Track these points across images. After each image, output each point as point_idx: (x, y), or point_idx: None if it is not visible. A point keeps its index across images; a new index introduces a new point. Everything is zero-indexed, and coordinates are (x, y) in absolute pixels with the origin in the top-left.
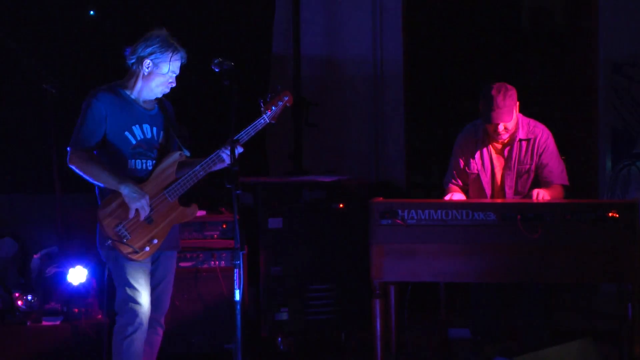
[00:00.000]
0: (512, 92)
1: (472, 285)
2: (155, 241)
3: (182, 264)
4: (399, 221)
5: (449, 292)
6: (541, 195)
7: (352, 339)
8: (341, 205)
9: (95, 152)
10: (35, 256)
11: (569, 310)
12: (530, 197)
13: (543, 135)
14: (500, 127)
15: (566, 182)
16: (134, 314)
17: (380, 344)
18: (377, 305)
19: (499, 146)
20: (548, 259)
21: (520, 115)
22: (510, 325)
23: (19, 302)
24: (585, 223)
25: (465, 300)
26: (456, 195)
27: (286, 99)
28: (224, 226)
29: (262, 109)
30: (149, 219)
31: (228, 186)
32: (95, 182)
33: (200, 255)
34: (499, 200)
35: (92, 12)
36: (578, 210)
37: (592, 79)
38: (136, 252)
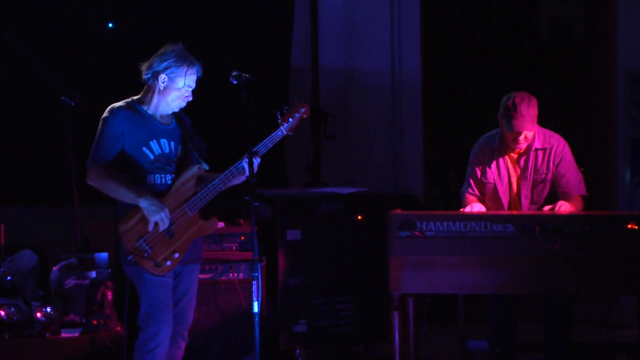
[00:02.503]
0: (535, 102)
1: (490, 297)
2: (177, 255)
3: (200, 276)
4: (417, 233)
5: (467, 304)
6: (563, 208)
7: (371, 351)
8: (359, 217)
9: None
10: (54, 268)
11: (587, 323)
12: (548, 206)
13: (559, 145)
14: (521, 137)
15: (584, 193)
16: (157, 329)
17: (399, 356)
18: (396, 317)
19: (515, 156)
20: (567, 271)
21: (537, 125)
22: (529, 338)
23: (38, 314)
24: (604, 235)
25: (484, 313)
26: (476, 206)
27: (303, 110)
28: (242, 238)
29: (279, 120)
30: (169, 233)
31: (246, 198)
32: (115, 198)
33: (219, 267)
34: (517, 212)
35: (110, 25)
36: (597, 222)
37: (610, 90)
38: (158, 267)
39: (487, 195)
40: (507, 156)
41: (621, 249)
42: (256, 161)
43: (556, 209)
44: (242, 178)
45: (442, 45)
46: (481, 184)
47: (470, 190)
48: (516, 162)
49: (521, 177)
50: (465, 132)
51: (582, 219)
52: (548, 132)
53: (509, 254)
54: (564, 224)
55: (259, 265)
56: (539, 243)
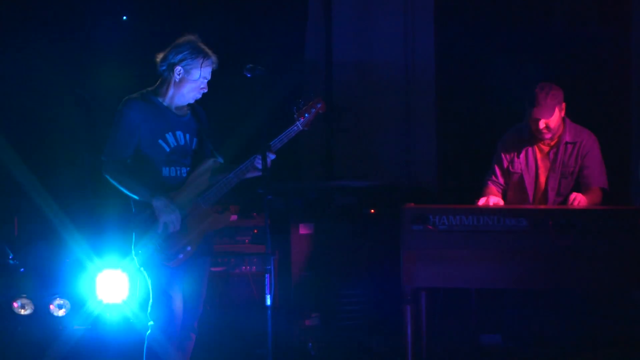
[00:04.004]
0: (557, 93)
1: (503, 291)
2: (189, 248)
3: (213, 269)
4: (430, 227)
5: (480, 298)
6: (577, 200)
7: (383, 345)
8: (372, 211)
9: (129, 160)
10: (67, 261)
11: (600, 317)
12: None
13: (589, 139)
14: (541, 124)
15: (605, 186)
16: (168, 320)
17: (411, 350)
18: (408, 310)
19: (546, 149)
20: (580, 266)
21: (569, 120)
22: (542, 332)
23: (51, 306)
24: (617, 229)
25: (497, 306)
26: (492, 199)
27: (319, 105)
28: (255, 231)
29: (295, 116)
30: (182, 226)
31: (260, 191)
32: (129, 194)
33: (232, 260)
34: (531, 206)
35: (125, 18)
36: (610, 216)
37: (625, 84)
38: (170, 259)
39: (512, 185)
40: (536, 147)
41: (635, 244)
42: (270, 157)
43: (570, 201)
44: (258, 173)
45: (455, 38)
46: (507, 174)
47: (493, 178)
48: (546, 154)
49: (550, 170)
50: (479, 124)
51: (596, 214)
52: (579, 127)
53: (523, 248)
54: (578, 219)
55: (272, 258)
56: (553, 237)
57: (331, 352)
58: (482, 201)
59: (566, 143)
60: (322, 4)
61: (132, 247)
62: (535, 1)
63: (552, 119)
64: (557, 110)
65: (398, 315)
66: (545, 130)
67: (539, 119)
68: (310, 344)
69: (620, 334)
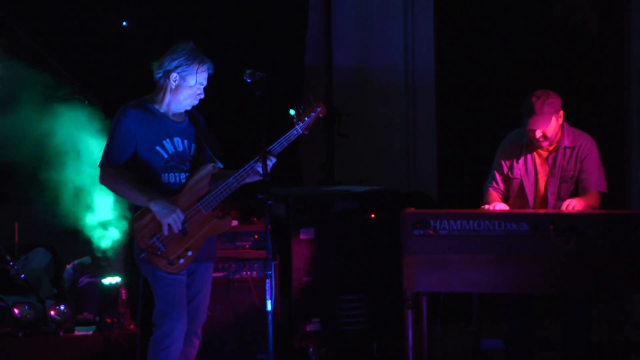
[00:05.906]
0: (554, 100)
1: (505, 295)
2: (190, 253)
3: (214, 274)
4: (431, 231)
5: (481, 303)
6: (572, 205)
7: (384, 350)
8: (373, 216)
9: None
10: (68, 266)
11: (602, 322)
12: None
13: (587, 143)
14: (538, 134)
15: (603, 189)
16: (171, 326)
17: (413, 355)
18: (409, 315)
19: (545, 154)
20: (581, 270)
21: (566, 124)
22: (543, 336)
23: (52, 312)
24: (618, 233)
25: (498, 311)
26: (499, 206)
27: (319, 109)
28: (256, 236)
29: (294, 119)
30: (183, 231)
31: (260, 196)
32: (126, 199)
33: (232, 265)
34: (532, 211)
35: (124, 23)
36: (611, 220)
37: (624, 88)
38: (171, 264)
39: (513, 191)
40: (535, 153)
41: (636, 248)
42: (271, 162)
43: (564, 207)
44: (258, 177)
45: (456, 43)
46: (507, 180)
47: (494, 184)
48: (545, 159)
49: (549, 175)
50: (480, 130)
51: (597, 218)
52: (577, 131)
53: (523, 252)
54: (579, 223)
55: (273, 263)
56: (553, 242)
57: (332, 357)
58: (490, 207)
59: (565, 148)
60: (322, 9)
61: (134, 251)
62: (536, 5)
63: (548, 129)
64: (553, 119)
65: (399, 320)
66: (541, 139)
67: (535, 129)
68: (311, 349)
69: (621, 338)
